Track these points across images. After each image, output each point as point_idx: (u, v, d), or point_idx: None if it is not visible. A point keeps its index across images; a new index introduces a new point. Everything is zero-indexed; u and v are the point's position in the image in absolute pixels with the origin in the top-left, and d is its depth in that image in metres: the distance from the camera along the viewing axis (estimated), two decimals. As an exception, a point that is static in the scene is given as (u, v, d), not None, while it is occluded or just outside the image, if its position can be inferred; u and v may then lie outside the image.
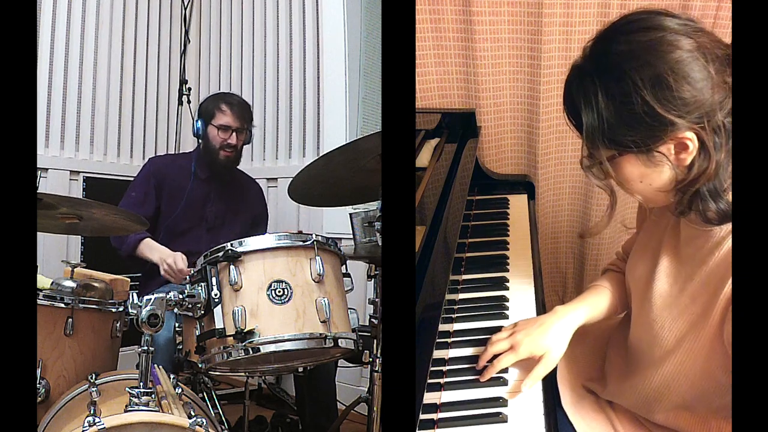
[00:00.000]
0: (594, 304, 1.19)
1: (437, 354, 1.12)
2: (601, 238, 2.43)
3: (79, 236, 2.63)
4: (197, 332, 1.35)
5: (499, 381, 1.08)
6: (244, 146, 2.21)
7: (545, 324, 1.11)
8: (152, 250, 2.01)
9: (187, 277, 1.40)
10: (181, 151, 3.15)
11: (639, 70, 0.86)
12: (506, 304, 1.31)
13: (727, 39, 0.87)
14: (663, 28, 0.88)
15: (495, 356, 1.10)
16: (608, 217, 1.05)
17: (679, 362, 0.98)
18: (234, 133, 2.12)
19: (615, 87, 0.88)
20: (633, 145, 0.89)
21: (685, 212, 0.94)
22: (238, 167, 2.28)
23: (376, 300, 1.40)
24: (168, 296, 1.23)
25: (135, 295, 1.19)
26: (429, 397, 1.00)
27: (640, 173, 0.93)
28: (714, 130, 0.87)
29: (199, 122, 2.15)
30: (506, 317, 1.27)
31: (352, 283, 1.47)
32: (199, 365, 1.36)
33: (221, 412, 1.90)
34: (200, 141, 2.18)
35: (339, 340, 1.33)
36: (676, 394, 1.01)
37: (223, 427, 1.74)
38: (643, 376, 1.06)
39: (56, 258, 2.39)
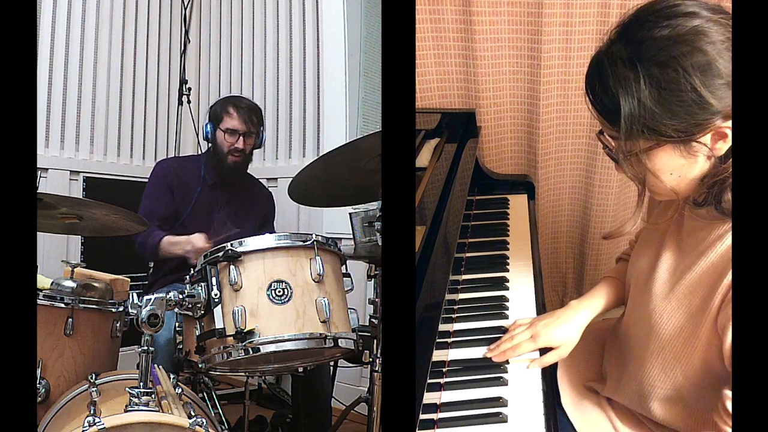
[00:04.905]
0: (605, 297, 1.23)
1: (437, 354, 1.12)
2: (602, 239, 2.43)
3: (79, 236, 2.63)
4: (197, 332, 1.35)
5: (499, 381, 1.08)
6: (254, 150, 2.19)
7: (562, 317, 1.17)
8: (174, 245, 1.98)
9: (187, 276, 1.41)
10: (180, 151, 3.16)
11: (688, 56, 0.83)
12: (506, 304, 1.31)
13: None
14: (703, 16, 0.85)
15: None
16: (637, 215, 1.00)
17: (677, 353, 0.98)
18: (241, 137, 2.10)
19: (660, 73, 0.84)
20: (675, 134, 0.86)
21: (706, 203, 0.92)
22: (248, 172, 2.27)
23: (376, 300, 1.40)
24: (168, 296, 1.23)
25: (135, 295, 1.19)
26: (429, 397, 1.00)
27: (675, 164, 0.90)
28: None
29: (209, 126, 2.13)
30: (506, 317, 1.27)
31: (352, 283, 1.47)
32: (199, 365, 1.36)
33: (221, 412, 1.90)
34: (209, 144, 2.17)
35: (339, 340, 1.33)
36: (672, 387, 1.01)
37: (223, 427, 1.74)
38: (641, 367, 1.05)
39: (56, 258, 2.39)
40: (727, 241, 0.90)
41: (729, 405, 0.88)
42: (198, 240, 1.91)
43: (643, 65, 0.85)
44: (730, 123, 0.84)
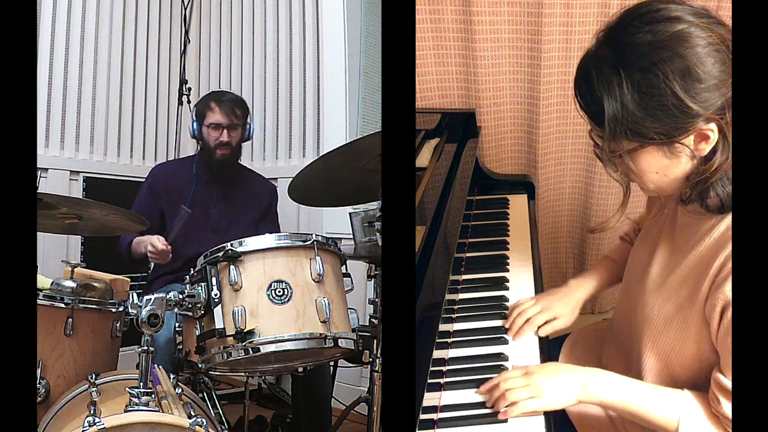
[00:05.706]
0: (602, 275, 1.32)
1: (437, 354, 1.12)
2: (602, 238, 2.43)
3: (79, 236, 2.63)
4: (197, 332, 1.35)
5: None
6: (245, 143, 2.20)
7: (563, 293, 1.29)
8: (139, 243, 2.01)
9: (187, 276, 1.41)
10: (180, 151, 3.16)
11: (668, 62, 0.85)
12: (506, 304, 1.31)
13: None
14: (686, 20, 0.87)
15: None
16: (621, 212, 1.04)
17: (671, 343, 1.01)
18: (225, 130, 2.11)
19: (642, 78, 0.87)
20: (657, 137, 0.89)
21: (692, 201, 0.95)
22: (246, 167, 2.28)
23: (376, 300, 1.40)
24: (168, 296, 1.23)
25: (135, 295, 1.19)
26: (429, 398, 1.00)
27: (659, 164, 0.93)
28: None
29: (195, 124, 2.16)
30: (506, 317, 1.27)
31: (352, 283, 1.47)
32: (199, 365, 1.36)
33: (221, 412, 1.90)
34: (199, 142, 2.19)
35: (339, 340, 1.33)
36: (669, 376, 1.03)
37: (223, 427, 1.74)
38: (638, 359, 1.07)
39: (56, 258, 2.39)
40: (715, 234, 0.93)
41: (722, 384, 0.90)
42: (156, 241, 1.91)
43: (626, 70, 0.88)
44: (712, 125, 0.87)
